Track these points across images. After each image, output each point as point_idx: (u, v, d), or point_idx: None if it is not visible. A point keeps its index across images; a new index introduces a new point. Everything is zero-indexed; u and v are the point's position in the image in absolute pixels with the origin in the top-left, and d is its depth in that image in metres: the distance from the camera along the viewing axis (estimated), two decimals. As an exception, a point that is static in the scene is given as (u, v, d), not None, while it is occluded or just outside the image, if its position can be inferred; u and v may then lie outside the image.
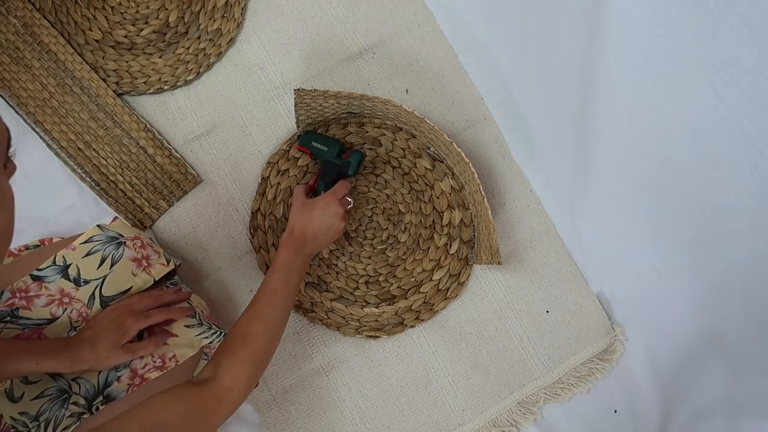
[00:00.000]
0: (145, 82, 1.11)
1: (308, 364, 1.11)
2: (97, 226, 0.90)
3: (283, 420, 1.10)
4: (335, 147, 1.05)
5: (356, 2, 1.17)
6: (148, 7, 1.12)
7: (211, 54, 1.12)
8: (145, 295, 0.88)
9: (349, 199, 1.03)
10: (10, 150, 0.60)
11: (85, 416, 0.79)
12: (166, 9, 1.12)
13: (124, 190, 1.10)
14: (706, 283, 0.96)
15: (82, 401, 0.79)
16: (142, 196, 1.09)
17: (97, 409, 0.80)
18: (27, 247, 1.01)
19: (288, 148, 1.12)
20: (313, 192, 1.06)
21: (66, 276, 0.84)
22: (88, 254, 0.86)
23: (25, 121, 1.08)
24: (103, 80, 1.10)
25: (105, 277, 0.86)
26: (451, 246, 1.12)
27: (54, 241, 1.03)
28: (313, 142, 1.06)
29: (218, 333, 0.93)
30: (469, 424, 1.12)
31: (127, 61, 1.11)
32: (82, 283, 0.85)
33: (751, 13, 0.64)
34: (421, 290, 1.12)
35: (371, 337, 1.11)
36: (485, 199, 0.98)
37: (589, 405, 1.14)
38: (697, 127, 0.77)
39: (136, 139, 1.09)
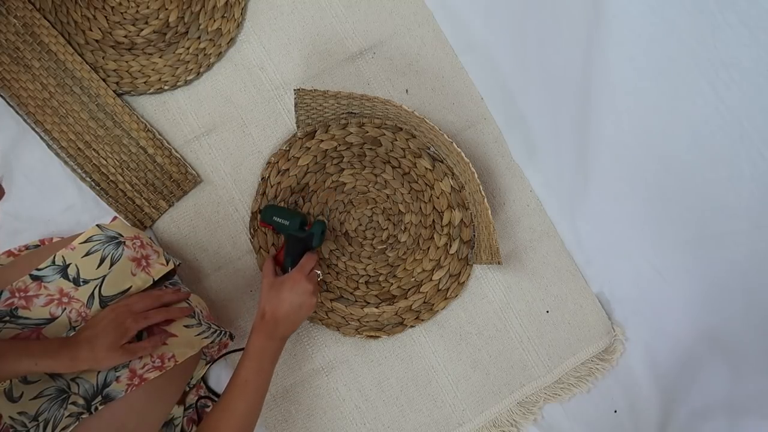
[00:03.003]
0: (145, 82, 1.11)
1: (308, 364, 1.11)
2: (97, 225, 0.90)
3: (283, 420, 1.10)
4: (297, 220, 1.01)
5: (356, 2, 1.17)
6: (148, 7, 1.12)
7: (211, 54, 1.12)
8: (144, 295, 0.88)
9: (318, 272, 0.99)
10: None
11: (84, 416, 0.79)
12: (166, 9, 1.12)
13: (124, 190, 1.09)
14: (706, 283, 0.96)
15: (81, 401, 0.79)
16: (142, 196, 1.09)
17: (96, 409, 0.80)
18: (27, 247, 1.01)
19: (288, 148, 1.12)
20: (281, 267, 1.02)
21: (65, 276, 0.84)
22: (87, 254, 0.86)
23: (25, 121, 1.08)
24: (103, 80, 1.10)
25: (104, 277, 0.86)
26: (451, 246, 1.12)
27: (54, 241, 1.03)
28: (274, 216, 1.03)
29: (217, 333, 0.93)
30: (469, 424, 1.12)
31: (127, 61, 1.11)
32: (82, 283, 0.85)
33: (751, 12, 0.64)
34: (421, 290, 1.11)
35: (371, 337, 1.11)
36: (485, 199, 0.98)
37: (589, 405, 1.14)
38: (697, 127, 0.77)
39: (136, 139, 1.09)
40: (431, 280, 1.12)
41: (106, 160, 1.09)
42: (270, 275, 0.96)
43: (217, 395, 1.05)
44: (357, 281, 1.12)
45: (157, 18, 1.12)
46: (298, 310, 0.92)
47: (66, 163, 1.09)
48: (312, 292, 0.93)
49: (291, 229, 1.02)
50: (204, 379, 1.07)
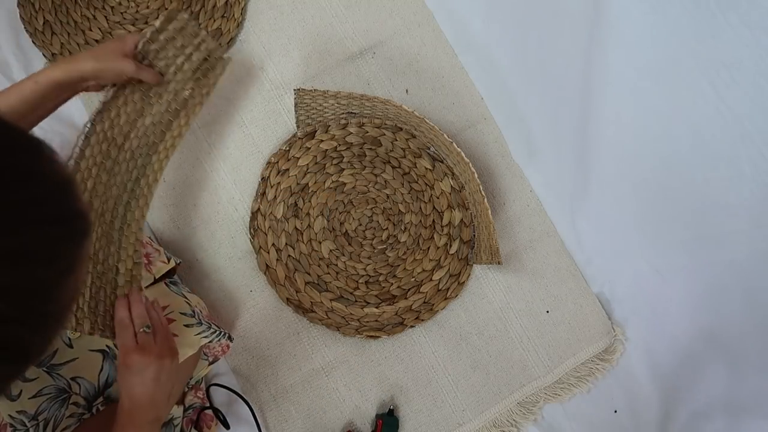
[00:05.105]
0: (144, 82, 1.11)
1: (308, 364, 1.11)
2: None
3: (283, 420, 1.09)
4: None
5: (356, 2, 1.17)
6: (148, 7, 1.12)
7: (211, 54, 1.12)
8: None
9: (144, 329, 0.76)
10: None
11: (85, 417, 0.79)
12: (166, 9, 1.12)
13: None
14: (706, 283, 0.96)
15: (82, 401, 0.79)
16: None
17: (98, 410, 0.79)
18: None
19: (288, 148, 1.12)
20: None
21: None
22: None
23: None
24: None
25: (104, 276, 0.86)
26: (451, 246, 1.12)
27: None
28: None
29: (217, 332, 0.93)
30: (469, 424, 1.12)
31: (126, 61, 1.11)
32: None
33: (752, 13, 0.64)
34: (421, 290, 1.11)
35: (371, 337, 1.10)
36: (485, 199, 0.98)
37: (589, 405, 1.14)
38: (698, 127, 0.77)
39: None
40: (431, 280, 1.12)
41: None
42: (123, 352, 0.74)
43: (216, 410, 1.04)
44: (357, 281, 1.12)
45: (157, 18, 1.12)
46: (153, 389, 0.73)
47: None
48: (156, 362, 0.73)
49: None
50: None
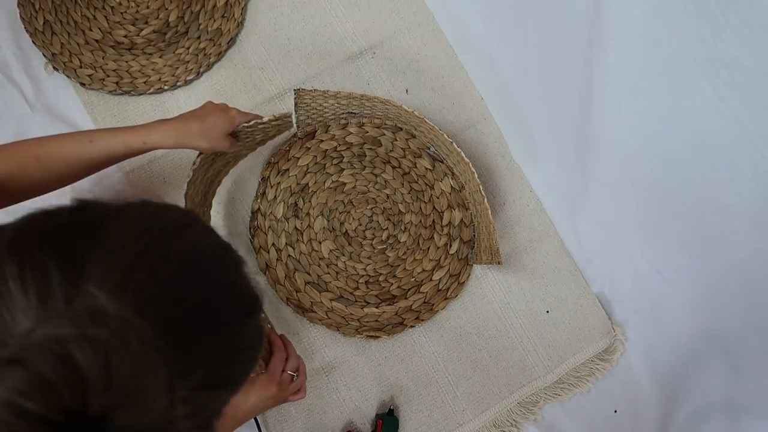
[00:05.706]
0: (145, 82, 1.11)
1: (308, 364, 1.11)
2: None
3: (283, 420, 1.09)
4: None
5: (356, 2, 1.17)
6: (148, 7, 1.12)
7: (211, 54, 1.12)
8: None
9: (293, 373, 0.92)
10: None
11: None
12: (166, 9, 1.12)
13: None
14: (706, 282, 0.96)
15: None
16: None
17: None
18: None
19: (288, 148, 1.12)
20: None
21: None
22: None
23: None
24: (102, 80, 1.09)
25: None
26: (451, 246, 1.12)
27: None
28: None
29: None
30: (470, 424, 1.12)
31: (127, 61, 1.11)
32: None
33: (751, 12, 0.64)
34: (421, 290, 1.11)
35: (371, 337, 1.10)
36: (485, 199, 0.98)
37: (589, 405, 1.14)
38: (698, 127, 0.77)
39: None
40: (431, 280, 1.12)
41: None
42: (269, 377, 0.90)
43: None
44: (357, 281, 1.12)
45: (157, 18, 1.12)
46: (256, 411, 0.88)
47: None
48: (277, 397, 0.88)
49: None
50: None
